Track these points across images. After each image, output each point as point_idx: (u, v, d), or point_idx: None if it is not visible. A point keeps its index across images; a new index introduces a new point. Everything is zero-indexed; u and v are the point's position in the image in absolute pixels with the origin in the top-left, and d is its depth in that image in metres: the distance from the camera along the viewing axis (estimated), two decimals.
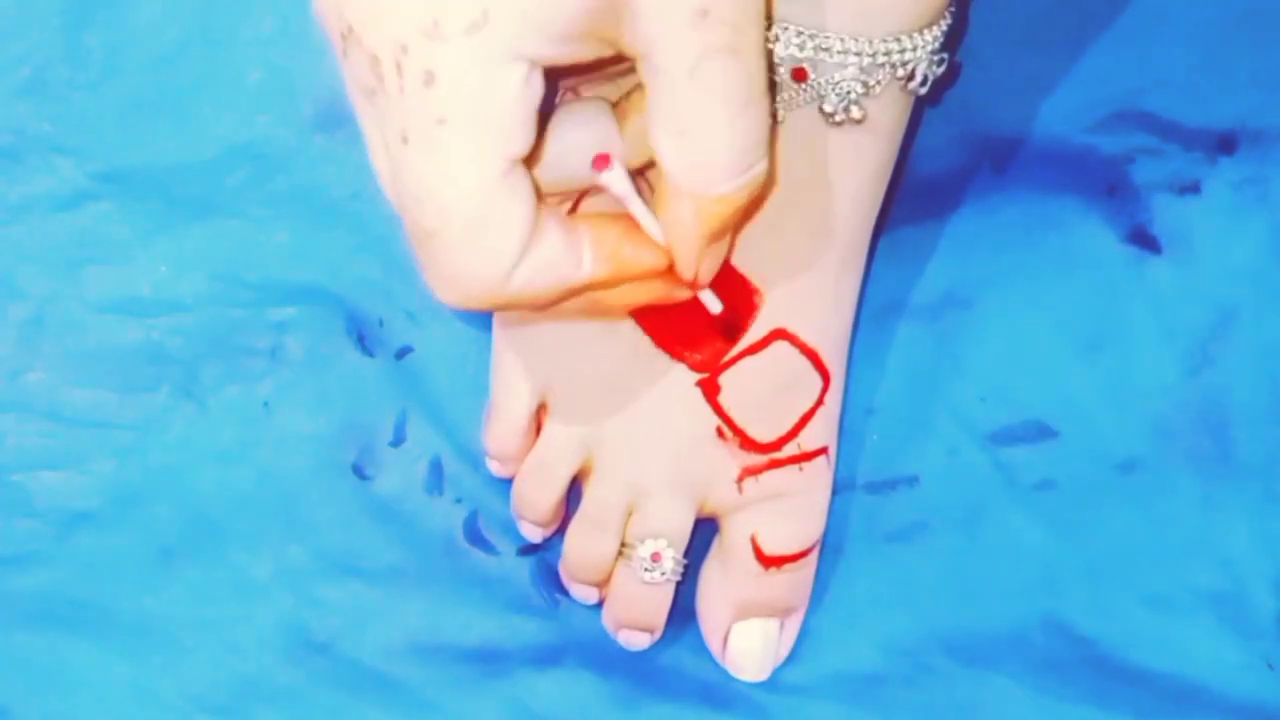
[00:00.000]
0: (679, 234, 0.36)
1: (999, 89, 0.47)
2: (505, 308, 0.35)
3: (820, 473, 0.44)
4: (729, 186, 0.34)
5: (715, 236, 0.36)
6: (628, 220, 0.37)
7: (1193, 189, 0.47)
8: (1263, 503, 0.46)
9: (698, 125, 0.33)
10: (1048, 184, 0.47)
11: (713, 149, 0.34)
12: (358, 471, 0.47)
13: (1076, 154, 0.47)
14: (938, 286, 0.47)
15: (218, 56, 0.47)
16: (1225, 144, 0.47)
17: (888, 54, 0.39)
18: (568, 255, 0.35)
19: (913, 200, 0.47)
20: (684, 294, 0.39)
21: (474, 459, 0.46)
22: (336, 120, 0.47)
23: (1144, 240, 0.47)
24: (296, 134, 0.47)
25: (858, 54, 0.38)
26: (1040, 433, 0.47)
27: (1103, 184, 0.47)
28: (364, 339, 0.47)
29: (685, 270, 0.37)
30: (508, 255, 0.34)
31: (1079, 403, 0.47)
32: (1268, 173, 0.47)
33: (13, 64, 0.47)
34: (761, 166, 0.35)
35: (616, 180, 0.36)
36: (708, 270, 0.37)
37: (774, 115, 0.37)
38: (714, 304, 0.41)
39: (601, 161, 0.36)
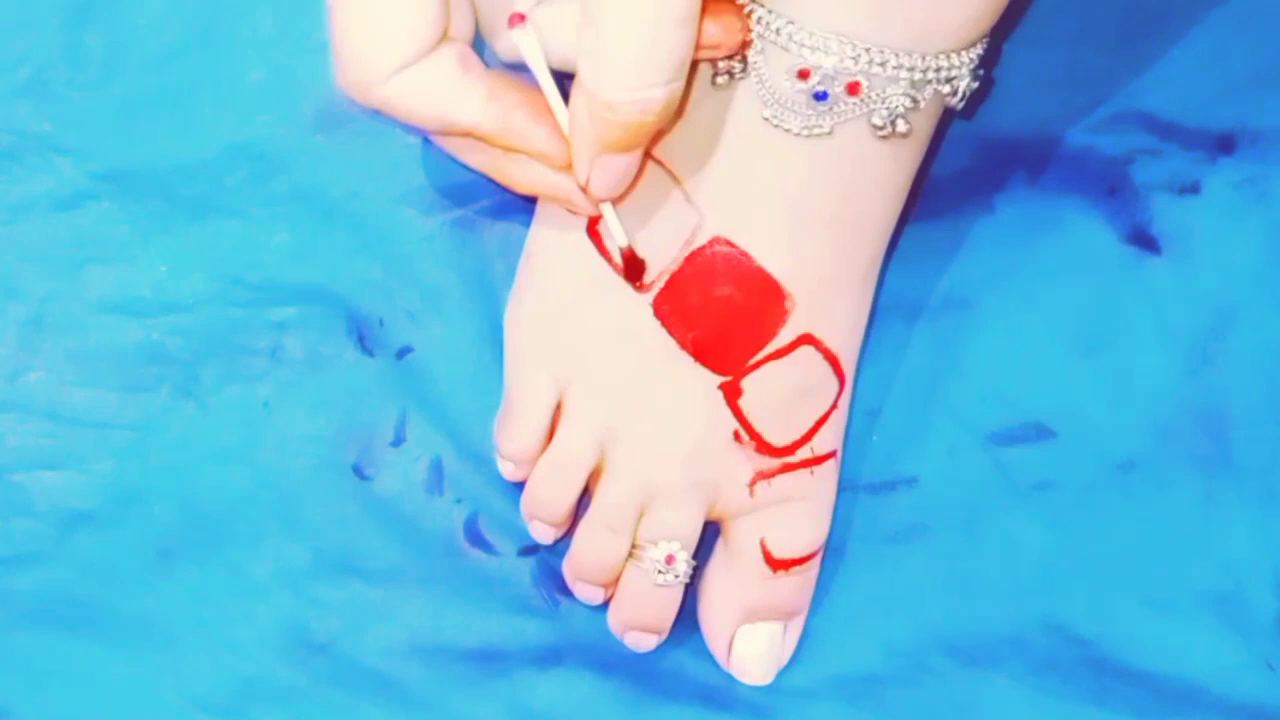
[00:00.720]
0: (574, 129, 0.37)
1: (999, 90, 0.47)
2: (385, 110, 0.37)
3: (829, 476, 0.44)
4: (619, 96, 0.35)
5: (608, 148, 0.36)
6: (538, 95, 0.37)
7: (1192, 189, 0.47)
8: (1263, 503, 0.46)
9: (608, 20, 0.34)
10: (1048, 184, 0.47)
11: (613, 50, 0.34)
12: (358, 471, 0.47)
13: (1076, 154, 0.47)
14: (938, 286, 0.47)
15: (218, 56, 0.47)
16: (1225, 144, 0.47)
17: (937, 71, 0.39)
18: (457, 89, 0.37)
19: (914, 201, 0.47)
20: (583, 204, 0.40)
21: (475, 459, 0.46)
22: (336, 120, 0.47)
23: (1144, 240, 0.47)
24: (296, 134, 0.47)
25: (910, 69, 0.39)
26: (1040, 433, 0.47)
27: (1103, 184, 0.47)
28: (364, 339, 0.47)
29: (577, 170, 0.38)
30: (391, 54, 0.36)
31: (1079, 403, 0.47)
32: (1268, 173, 0.47)
33: (13, 64, 0.47)
34: (659, 94, 0.35)
35: (526, 43, 0.36)
36: (599, 184, 0.38)
37: (694, 69, 0.39)
38: (618, 234, 0.40)
39: (515, 19, 0.36)
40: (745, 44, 0.39)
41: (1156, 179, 0.47)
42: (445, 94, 0.37)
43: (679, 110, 0.40)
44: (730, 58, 0.40)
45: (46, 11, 0.47)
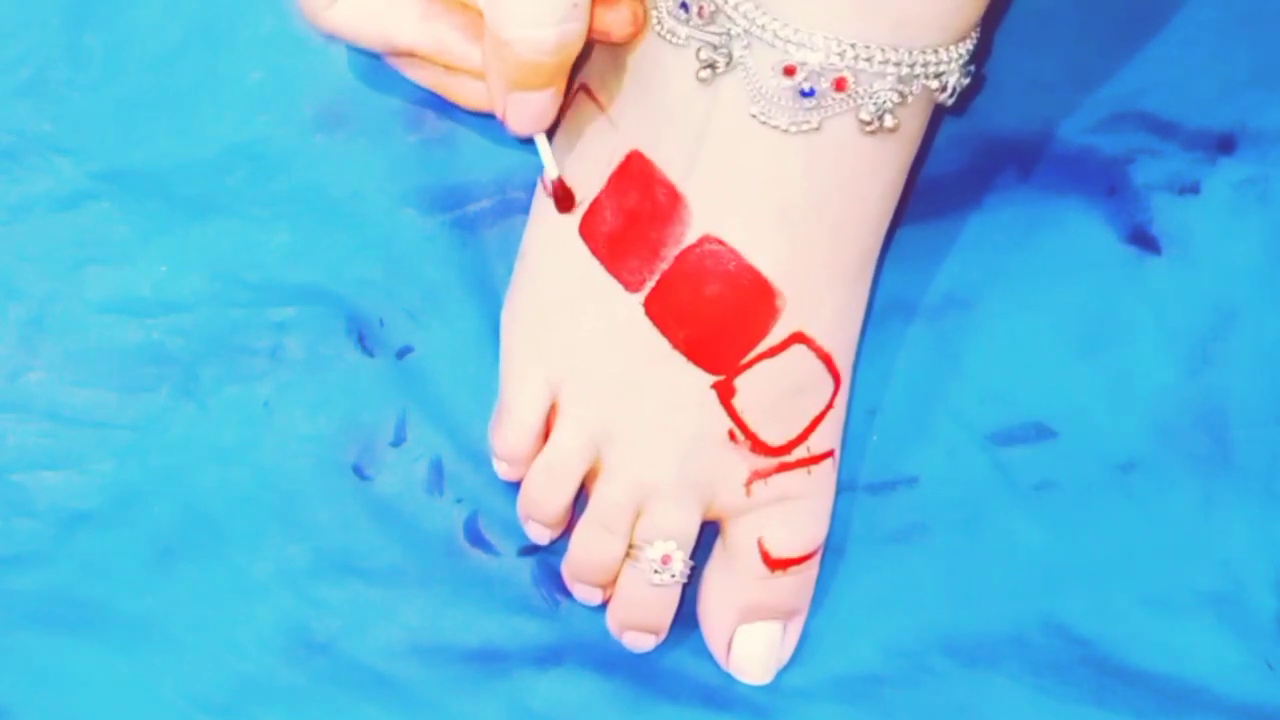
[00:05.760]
0: (486, 65, 0.39)
1: (999, 89, 0.47)
2: (337, 34, 0.40)
3: (827, 475, 0.44)
4: (511, 33, 0.37)
5: (514, 85, 0.38)
6: (476, 17, 0.39)
7: (1192, 189, 0.47)
8: (1263, 503, 0.46)
9: None
10: (1048, 184, 0.47)
11: None
12: (358, 471, 0.47)
13: (1076, 154, 0.47)
14: (938, 286, 0.47)
15: (218, 56, 0.47)
16: (1225, 144, 0.47)
17: (925, 66, 0.39)
18: (392, 10, 0.40)
19: (913, 200, 0.47)
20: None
21: (475, 459, 0.46)
22: (336, 120, 0.47)
23: (1144, 240, 0.47)
24: (296, 134, 0.47)
25: (896, 64, 0.39)
26: (1040, 433, 0.47)
27: (1103, 184, 0.47)
28: (364, 339, 0.47)
29: (494, 105, 0.40)
30: None
31: (1079, 403, 0.47)
32: (1268, 173, 0.47)
33: (13, 64, 0.47)
34: (549, 34, 0.37)
35: None
36: (514, 121, 0.40)
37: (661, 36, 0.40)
38: (549, 165, 0.42)
39: None
40: (636, 33, 0.40)
41: (1156, 179, 0.47)
42: (382, 15, 0.40)
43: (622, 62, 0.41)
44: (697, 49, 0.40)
45: (46, 11, 0.47)
